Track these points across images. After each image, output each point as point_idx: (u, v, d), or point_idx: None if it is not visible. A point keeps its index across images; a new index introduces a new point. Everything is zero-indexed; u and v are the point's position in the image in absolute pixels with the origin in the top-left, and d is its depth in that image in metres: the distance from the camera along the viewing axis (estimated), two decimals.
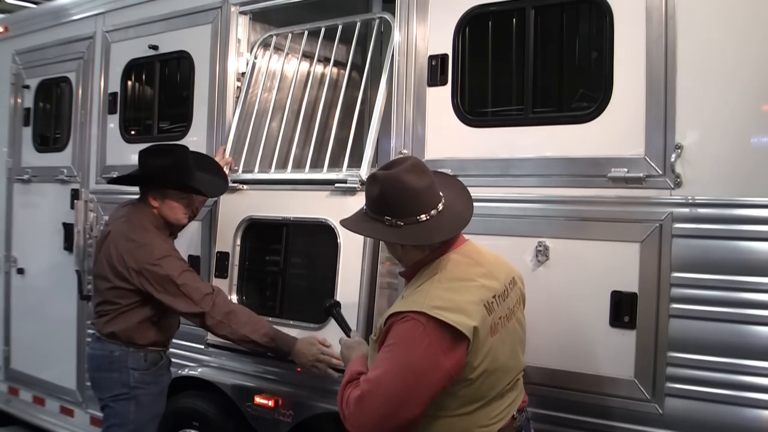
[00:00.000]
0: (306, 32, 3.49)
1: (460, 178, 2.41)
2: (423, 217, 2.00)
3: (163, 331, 3.09)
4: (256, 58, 3.62)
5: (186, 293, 2.91)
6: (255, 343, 2.93)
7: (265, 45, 3.63)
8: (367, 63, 3.26)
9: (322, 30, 3.40)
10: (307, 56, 3.58)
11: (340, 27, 3.34)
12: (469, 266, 2.04)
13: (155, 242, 2.99)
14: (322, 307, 2.67)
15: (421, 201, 2.00)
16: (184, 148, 3.16)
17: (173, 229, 3.17)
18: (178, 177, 2.99)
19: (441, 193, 2.07)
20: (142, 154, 3.06)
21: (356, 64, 3.55)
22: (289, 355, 2.94)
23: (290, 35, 3.54)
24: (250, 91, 3.58)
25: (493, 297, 2.00)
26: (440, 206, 2.03)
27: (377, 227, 2.05)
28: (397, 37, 3.03)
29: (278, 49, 3.62)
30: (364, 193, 2.11)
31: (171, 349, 3.43)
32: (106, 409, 3.07)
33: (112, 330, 3.00)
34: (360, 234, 2.21)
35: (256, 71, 3.61)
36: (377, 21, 3.23)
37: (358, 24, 3.28)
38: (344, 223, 2.16)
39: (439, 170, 2.45)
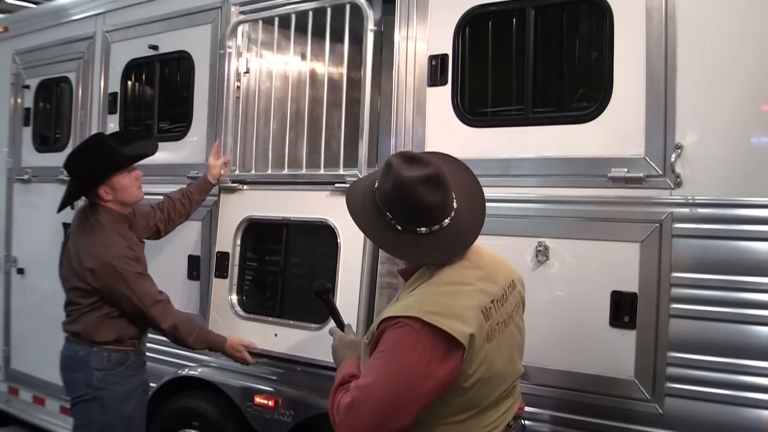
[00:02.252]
0: (277, 18, 3.39)
1: None
2: (423, 229, 1.89)
3: (126, 329, 3.02)
4: (229, 48, 3.53)
5: (137, 295, 2.92)
6: (194, 348, 3.16)
7: (234, 32, 3.53)
8: (345, 53, 3.17)
9: (293, 17, 3.31)
10: (284, 49, 3.51)
11: (310, 13, 3.25)
12: (466, 269, 1.94)
13: (112, 240, 2.97)
14: (313, 289, 2.47)
15: (428, 216, 1.89)
16: (100, 135, 3.19)
17: (131, 218, 3.13)
18: (114, 158, 2.98)
19: (454, 204, 1.94)
20: (67, 164, 3.06)
21: (337, 57, 3.45)
22: (221, 352, 3.21)
23: (261, 23, 3.45)
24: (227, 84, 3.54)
25: (492, 302, 1.91)
26: (446, 221, 1.90)
27: (375, 224, 1.94)
28: (397, 36, 3.03)
29: (264, 44, 3.56)
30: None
31: (171, 349, 3.42)
32: (73, 410, 3.08)
33: (76, 330, 3.01)
34: (356, 225, 2.04)
35: (229, 64, 3.54)
36: (348, 6, 3.11)
37: (329, 10, 3.17)
38: (351, 203, 2.02)
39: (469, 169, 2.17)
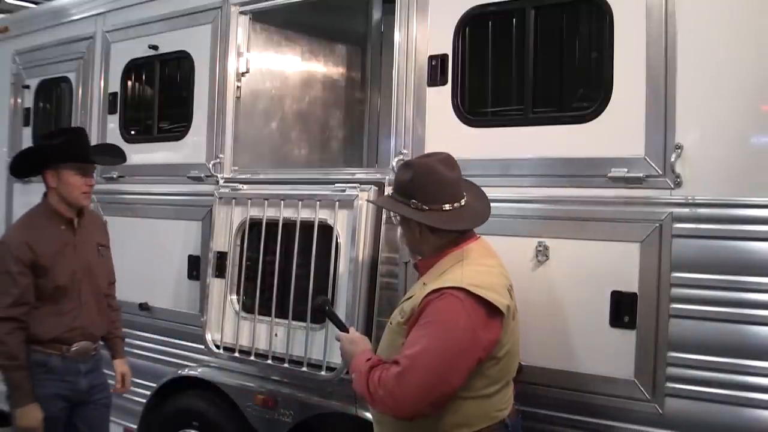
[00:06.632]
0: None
1: None
2: (447, 206, 2.15)
3: (38, 327, 2.88)
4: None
5: None
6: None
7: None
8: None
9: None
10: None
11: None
12: (489, 257, 2.21)
13: (15, 229, 3.02)
14: (313, 306, 2.63)
15: (448, 191, 2.16)
16: (80, 129, 3.19)
17: (73, 215, 3.06)
18: (75, 149, 2.96)
19: (464, 192, 2.22)
20: (40, 138, 3.09)
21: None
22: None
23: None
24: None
25: (509, 286, 2.17)
26: (463, 201, 2.19)
27: (404, 208, 2.19)
28: (397, 36, 3.03)
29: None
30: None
31: (171, 349, 3.41)
32: None
33: None
34: (387, 208, 2.43)
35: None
36: None
37: None
38: (371, 201, 2.47)
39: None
